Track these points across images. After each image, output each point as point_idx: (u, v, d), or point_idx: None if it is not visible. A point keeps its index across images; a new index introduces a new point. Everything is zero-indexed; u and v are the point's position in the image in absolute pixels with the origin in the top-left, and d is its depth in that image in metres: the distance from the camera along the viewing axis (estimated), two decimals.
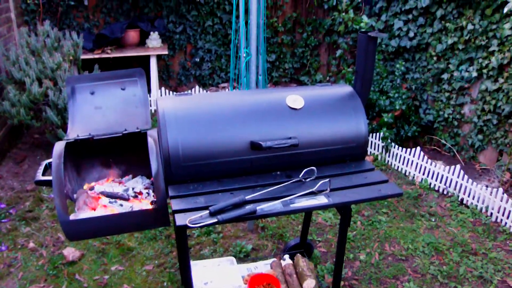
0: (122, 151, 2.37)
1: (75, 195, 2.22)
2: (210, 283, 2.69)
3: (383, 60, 5.09)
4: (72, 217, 2.01)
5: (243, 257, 3.23)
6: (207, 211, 1.68)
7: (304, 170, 1.89)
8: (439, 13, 4.33)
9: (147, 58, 5.91)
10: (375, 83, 4.71)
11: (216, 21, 6.42)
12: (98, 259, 3.23)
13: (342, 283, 3.00)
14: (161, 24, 6.14)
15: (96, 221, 1.91)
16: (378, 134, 4.58)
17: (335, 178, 1.95)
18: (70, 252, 3.23)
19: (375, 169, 2.11)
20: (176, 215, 1.69)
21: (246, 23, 3.04)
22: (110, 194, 2.08)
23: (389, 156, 4.54)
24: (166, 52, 5.92)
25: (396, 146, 4.42)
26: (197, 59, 6.58)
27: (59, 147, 2.01)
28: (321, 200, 1.78)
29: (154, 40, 6.03)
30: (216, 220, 1.63)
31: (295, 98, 2.04)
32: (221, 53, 6.63)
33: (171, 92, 6.06)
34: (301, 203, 1.76)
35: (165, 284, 2.99)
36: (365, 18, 4.85)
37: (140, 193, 2.18)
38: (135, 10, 6.20)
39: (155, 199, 2.00)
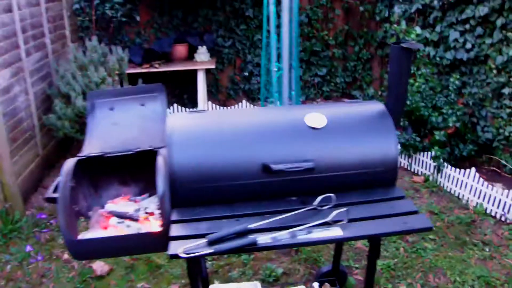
0: (140, 169, 2.30)
1: (90, 213, 2.18)
2: None
3: (438, 73, 4.73)
4: (81, 236, 1.97)
5: (272, 281, 3.05)
6: (206, 240, 1.55)
7: (320, 197, 1.71)
8: (500, 22, 3.95)
9: (195, 73, 5.93)
10: (427, 99, 4.38)
11: (265, 34, 6.34)
12: (126, 275, 3.19)
13: None
14: (210, 39, 6.16)
15: (100, 242, 1.85)
16: (429, 153, 4.23)
17: (356, 206, 1.75)
18: (99, 266, 3.22)
19: (405, 197, 1.86)
20: (172, 242, 1.57)
21: (278, 36, 2.90)
22: (119, 214, 2.02)
23: (441, 177, 4.18)
24: (214, 66, 5.92)
25: (449, 167, 4.06)
26: (246, 73, 6.53)
27: (69, 164, 1.97)
28: (335, 232, 1.59)
29: (202, 54, 6.05)
30: (212, 251, 1.49)
31: (316, 116, 1.87)
32: (270, 67, 6.52)
33: (218, 106, 6.04)
34: (311, 235, 1.58)
35: None
36: (417, 30, 4.54)
37: (152, 213, 2.09)
38: (185, 25, 6.27)
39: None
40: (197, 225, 1.68)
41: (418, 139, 4.31)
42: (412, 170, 4.51)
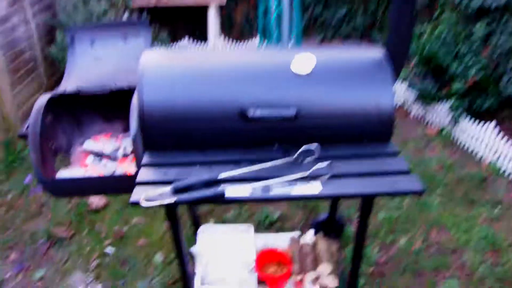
0: (124, 107, 2.18)
1: (72, 149, 2.10)
2: (217, 252, 2.49)
3: (463, 20, 4.31)
4: (58, 173, 1.90)
5: (267, 225, 3.00)
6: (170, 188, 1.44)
7: (302, 148, 1.55)
8: None
9: (206, 8, 5.61)
10: (449, 46, 4.03)
11: None
12: (121, 210, 3.17)
13: (372, 268, 2.69)
14: None
15: (72, 182, 1.77)
16: (446, 103, 3.97)
17: (341, 161, 1.59)
18: (95, 200, 3.20)
19: (399, 153, 1.69)
20: (136, 188, 1.47)
21: None
22: (95, 152, 1.92)
23: (456, 130, 3.94)
24: (225, 2, 5.58)
25: (467, 118, 3.81)
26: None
27: (41, 101, 1.86)
28: (314, 188, 1.45)
29: None
30: (173, 200, 1.38)
31: (303, 60, 1.67)
32: (296, 5, 6.15)
33: (232, 40, 5.79)
34: (287, 189, 1.44)
35: None
36: None
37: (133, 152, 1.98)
38: None
39: None
40: (167, 170, 1.56)
41: (434, 88, 4.03)
42: (427, 121, 4.28)
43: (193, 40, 5.71)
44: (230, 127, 1.62)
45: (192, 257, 2.44)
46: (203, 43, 5.65)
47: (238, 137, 1.65)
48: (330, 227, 2.72)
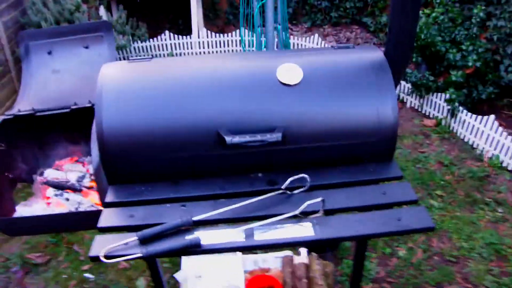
0: (90, 125, 1.93)
1: (34, 177, 1.86)
2: (204, 277, 2.28)
3: (459, 2, 4.08)
4: (19, 206, 1.66)
5: None
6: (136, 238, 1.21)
7: (290, 179, 1.32)
8: None
9: None
10: (446, 31, 3.80)
11: None
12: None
13: (371, 285, 2.49)
14: None
15: (31, 221, 1.54)
16: (444, 94, 3.75)
17: (337, 190, 1.36)
18: None
19: (403, 177, 1.46)
20: (97, 237, 1.24)
21: None
22: (56, 184, 1.68)
23: (455, 122, 3.73)
24: None
25: (464, 112, 3.60)
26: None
27: None
28: (305, 230, 1.22)
29: None
30: (139, 254, 1.15)
31: (290, 69, 1.43)
32: None
33: (216, 34, 5.47)
34: (272, 234, 1.22)
35: (165, 265, 2.65)
36: None
37: None
38: None
39: None
40: (132, 211, 1.33)
41: (431, 78, 3.81)
42: (424, 112, 4.07)
43: (175, 33, 5.40)
44: (204, 155, 1.38)
45: (176, 283, 2.23)
46: (186, 36, 5.35)
47: (214, 166, 1.41)
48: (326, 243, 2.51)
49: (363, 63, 1.49)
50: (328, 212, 1.28)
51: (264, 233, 1.23)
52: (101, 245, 1.22)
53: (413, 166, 3.38)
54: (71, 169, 1.85)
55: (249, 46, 3.76)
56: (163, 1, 5.81)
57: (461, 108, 3.64)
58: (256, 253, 2.47)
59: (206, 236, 1.22)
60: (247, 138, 1.31)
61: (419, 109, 4.12)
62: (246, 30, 4.16)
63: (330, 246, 2.54)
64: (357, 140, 1.43)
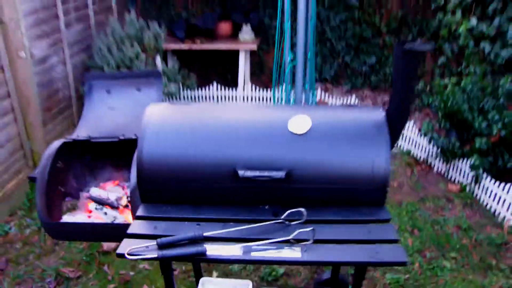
0: (132, 156, 2.27)
1: (81, 194, 2.19)
2: None
3: (491, 73, 4.28)
4: (65, 216, 1.98)
5: (271, 281, 2.96)
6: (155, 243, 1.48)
7: (288, 212, 1.57)
8: None
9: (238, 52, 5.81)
10: (474, 100, 3.98)
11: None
12: None
13: None
14: (255, 17, 5.99)
15: (73, 227, 1.85)
16: (468, 160, 3.88)
17: (328, 226, 1.59)
18: (107, 242, 3.28)
19: (390, 220, 1.67)
20: (125, 240, 1.52)
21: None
22: (98, 200, 2.00)
23: (478, 189, 3.82)
24: (256, 47, 5.76)
25: (488, 178, 3.70)
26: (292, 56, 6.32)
27: (53, 146, 1.98)
28: (294, 253, 1.45)
29: (246, 33, 5.89)
30: (155, 256, 1.42)
31: (300, 120, 1.71)
32: (316, 51, 6.28)
33: (261, 89, 5.89)
34: (266, 253, 1.45)
35: None
36: (473, 22, 4.12)
37: None
38: (232, 1, 6.14)
39: None
40: (157, 224, 1.61)
41: (457, 144, 3.95)
42: (449, 177, 4.17)
43: (222, 85, 5.87)
44: (222, 186, 1.66)
45: None
46: (232, 89, 5.78)
47: (229, 196, 1.69)
48: (333, 287, 2.66)
49: (365, 120, 1.75)
50: (317, 241, 1.50)
51: (259, 252, 1.47)
52: (127, 247, 1.49)
53: (430, 227, 3.47)
54: (112, 190, 2.17)
55: (279, 101, 4.11)
56: (215, 55, 6.36)
57: (484, 175, 3.74)
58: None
59: (212, 249, 1.47)
60: (256, 173, 1.58)
61: (445, 175, 4.23)
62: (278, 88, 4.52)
63: None
64: (352, 186, 1.65)
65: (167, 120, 1.76)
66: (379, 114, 1.79)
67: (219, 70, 6.65)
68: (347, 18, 5.98)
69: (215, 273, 3.00)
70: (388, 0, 5.81)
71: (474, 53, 4.25)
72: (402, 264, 1.43)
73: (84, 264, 3.13)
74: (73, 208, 2.19)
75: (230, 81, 6.46)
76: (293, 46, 3.17)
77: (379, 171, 1.65)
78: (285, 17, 2.77)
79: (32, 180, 2.01)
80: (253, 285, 2.56)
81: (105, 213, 1.96)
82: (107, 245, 3.24)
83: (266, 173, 1.58)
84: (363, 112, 1.82)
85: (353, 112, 1.82)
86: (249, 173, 1.57)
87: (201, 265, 2.75)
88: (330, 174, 1.65)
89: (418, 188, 4.03)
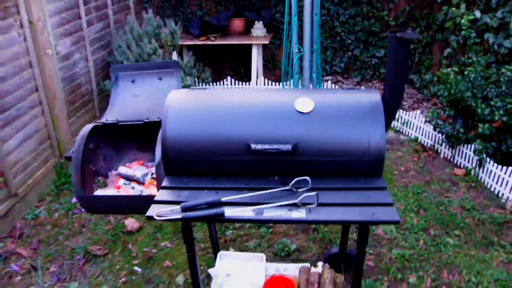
0: (155, 138, 2.50)
1: (110, 173, 2.43)
2: (232, 275, 2.71)
3: (495, 62, 4.42)
4: (96, 192, 2.21)
5: (284, 256, 3.18)
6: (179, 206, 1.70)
7: (295, 179, 1.78)
8: None
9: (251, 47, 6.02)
10: (478, 88, 4.14)
11: (323, 12, 6.26)
12: (153, 234, 3.47)
13: None
14: (267, 14, 6.21)
15: (105, 199, 2.08)
16: (472, 145, 4.04)
17: (330, 192, 1.79)
18: (131, 223, 3.53)
19: (386, 188, 1.86)
20: (152, 205, 1.74)
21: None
22: (126, 176, 2.23)
23: (482, 172, 3.98)
24: (268, 42, 5.97)
25: (491, 162, 3.85)
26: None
27: (85, 129, 2.21)
28: (300, 214, 1.66)
29: (258, 29, 6.11)
30: (180, 216, 1.64)
31: (305, 100, 1.92)
32: (327, 45, 6.47)
33: (274, 82, 6.09)
34: (276, 213, 1.67)
35: (202, 268, 3.09)
36: (477, 14, 4.26)
37: None
38: None
39: None
40: (180, 192, 1.83)
41: (462, 130, 4.11)
42: (455, 162, 4.33)
43: (236, 79, 6.09)
44: (237, 159, 1.87)
45: (209, 277, 2.67)
46: (245, 82, 5.99)
47: (243, 168, 1.90)
48: (341, 261, 2.87)
49: (363, 101, 1.95)
50: (321, 205, 1.71)
51: (270, 213, 1.68)
52: (155, 210, 1.72)
53: (435, 208, 3.65)
54: (137, 169, 2.40)
55: None
56: (229, 50, 6.58)
57: (488, 159, 3.90)
58: (279, 262, 2.86)
59: (229, 211, 1.68)
60: (266, 146, 1.79)
61: (452, 160, 4.39)
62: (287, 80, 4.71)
63: (347, 265, 2.88)
64: (351, 158, 1.86)
65: (187, 103, 1.99)
66: (376, 96, 1.98)
67: (233, 65, 6.88)
68: (356, 13, 6.15)
69: (231, 249, 3.22)
70: None
71: (477, 43, 4.40)
72: (396, 222, 1.63)
73: (110, 243, 3.39)
74: (103, 185, 2.43)
75: (244, 75, 6.69)
76: (300, 39, 3.38)
77: (375, 145, 1.85)
78: (293, 11, 2.97)
79: (68, 159, 2.25)
80: (266, 258, 2.79)
81: (133, 188, 2.19)
82: (130, 226, 3.49)
83: (274, 146, 1.79)
84: (361, 94, 2.01)
85: (352, 94, 2.02)
86: (260, 146, 1.79)
87: (219, 242, 2.98)
88: (332, 148, 1.85)
89: (424, 172, 4.20)
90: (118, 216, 3.69)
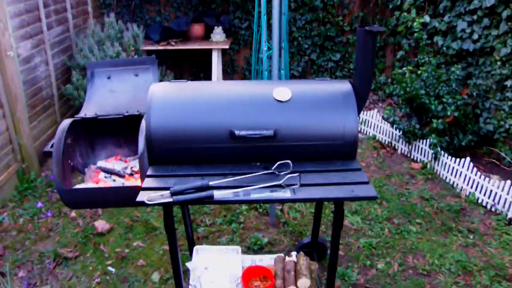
0: (132, 133, 2.53)
1: (86, 169, 2.42)
2: (210, 268, 2.76)
3: (444, 63, 4.76)
4: (76, 187, 2.21)
5: (256, 249, 3.25)
6: (169, 191, 1.75)
7: (277, 163, 1.88)
8: (505, 13, 3.95)
9: (211, 52, 6.10)
10: (430, 87, 4.43)
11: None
12: (124, 234, 3.45)
13: None
14: (226, 20, 6.31)
15: (86, 192, 2.08)
16: (428, 140, 4.31)
17: (311, 174, 1.91)
18: (101, 224, 3.49)
19: (361, 169, 2.00)
20: (141, 192, 1.78)
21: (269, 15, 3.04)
22: (107, 170, 2.24)
23: (438, 165, 4.25)
24: (228, 47, 6.07)
25: (445, 155, 4.13)
26: (261, 55, 6.65)
27: (65, 123, 2.21)
28: (285, 194, 1.76)
29: (218, 34, 6.20)
30: (171, 200, 1.69)
31: (283, 90, 2.03)
32: (285, 49, 6.64)
33: None
34: (263, 194, 1.75)
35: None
36: (426, 18, 4.57)
37: (138, 172, 2.31)
38: (203, 5, 6.45)
39: None
40: (166, 180, 1.88)
41: (417, 126, 4.38)
42: (412, 157, 4.59)
43: None
44: (221, 146, 1.95)
45: (187, 272, 2.71)
46: None
47: (227, 155, 1.98)
48: (313, 250, 2.99)
49: (336, 90, 2.09)
50: (303, 186, 1.82)
51: (257, 194, 1.77)
52: (144, 197, 1.75)
53: (397, 199, 3.86)
54: (115, 164, 2.41)
55: None
56: (188, 55, 6.62)
57: (442, 152, 4.17)
58: (254, 254, 2.94)
59: (218, 194, 1.75)
60: (249, 132, 1.88)
61: (408, 155, 4.65)
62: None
63: (318, 254, 3.00)
64: (328, 142, 1.98)
65: (170, 94, 2.04)
66: (347, 85, 2.13)
67: (193, 70, 6.93)
68: (312, 18, 6.38)
69: (206, 244, 3.26)
70: (350, 2, 6.24)
71: (427, 45, 4.71)
72: (374, 198, 1.76)
73: (80, 245, 3.33)
74: (80, 181, 2.41)
75: (204, 80, 6.75)
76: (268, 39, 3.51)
77: (349, 130, 1.99)
78: (262, 10, 3.10)
79: (46, 154, 2.23)
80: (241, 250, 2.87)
81: (114, 180, 2.20)
82: (101, 227, 3.45)
83: (257, 131, 1.88)
84: (333, 84, 2.15)
85: (325, 84, 2.16)
86: (243, 132, 1.87)
87: (194, 237, 3.01)
88: (310, 133, 1.97)
89: (384, 167, 4.43)
90: (87, 219, 3.64)
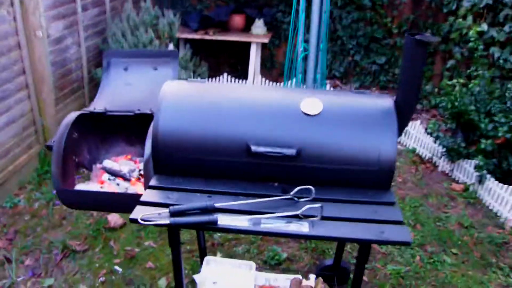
0: (145, 131, 2.32)
1: (94, 165, 2.25)
2: (218, 283, 2.54)
3: (500, 77, 4.31)
4: (77, 186, 2.04)
5: (273, 265, 3.02)
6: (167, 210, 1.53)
7: (298, 188, 1.62)
8: None
9: (250, 45, 5.86)
10: (481, 103, 4.02)
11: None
12: (137, 232, 3.29)
13: None
14: (269, 12, 6.05)
15: (85, 195, 1.90)
16: (473, 161, 3.92)
17: (336, 204, 1.64)
18: (114, 218, 3.34)
19: (396, 204, 1.71)
20: (138, 207, 1.57)
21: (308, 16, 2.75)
22: (111, 171, 2.05)
23: (482, 189, 3.86)
24: (267, 41, 5.82)
25: (492, 179, 3.74)
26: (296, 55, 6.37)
27: (70, 117, 2.03)
28: (302, 227, 1.50)
29: (259, 27, 5.95)
30: (168, 222, 1.47)
31: (313, 102, 1.76)
32: (327, 48, 6.32)
33: (270, 83, 5.93)
34: (275, 226, 1.50)
35: (186, 271, 2.92)
36: (484, 27, 4.15)
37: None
38: None
39: None
40: (169, 194, 1.66)
41: (463, 144, 3.99)
42: (453, 177, 4.21)
43: (232, 76, 5.92)
44: (234, 161, 1.71)
45: (194, 283, 2.50)
46: (242, 81, 5.83)
47: (240, 171, 1.74)
48: (335, 273, 2.72)
49: (374, 106, 1.80)
50: (325, 218, 1.55)
51: (268, 224, 1.52)
52: (140, 212, 1.54)
53: (433, 224, 3.52)
54: (124, 164, 2.23)
55: None
56: (227, 47, 6.40)
57: (488, 176, 3.78)
58: (269, 271, 2.70)
59: (222, 219, 1.52)
60: (268, 149, 1.63)
61: (450, 174, 4.27)
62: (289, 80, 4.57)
63: (338, 277, 2.73)
64: (359, 167, 1.70)
65: (183, 95, 1.82)
66: (388, 101, 1.84)
67: (230, 62, 6.70)
68: (359, 18, 6.02)
69: (219, 254, 3.06)
70: (401, 3, 5.83)
71: (483, 57, 4.29)
72: (407, 243, 1.48)
73: (90, 238, 3.20)
74: (86, 179, 2.26)
75: (240, 73, 6.52)
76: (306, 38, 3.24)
77: (385, 155, 1.70)
78: (300, 7, 2.81)
79: (48, 148, 2.07)
80: (256, 267, 2.63)
81: (118, 184, 2.02)
82: (113, 222, 3.30)
83: (277, 150, 1.63)
84: (373, 99, 1.86)
85: (363, 98, 1.87)
86: (261, 149, 1.62)
87: (206, 245, 2.81)
88: (339, 155, 1.70)
89: (421, 185, 4.07)
90: (100, 212, 3.50)
